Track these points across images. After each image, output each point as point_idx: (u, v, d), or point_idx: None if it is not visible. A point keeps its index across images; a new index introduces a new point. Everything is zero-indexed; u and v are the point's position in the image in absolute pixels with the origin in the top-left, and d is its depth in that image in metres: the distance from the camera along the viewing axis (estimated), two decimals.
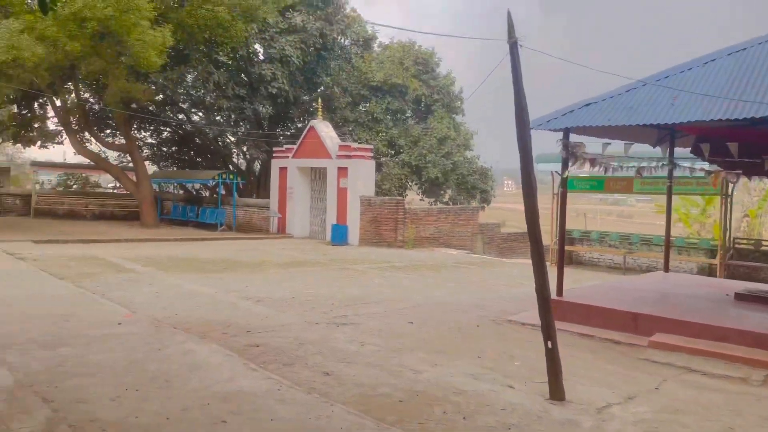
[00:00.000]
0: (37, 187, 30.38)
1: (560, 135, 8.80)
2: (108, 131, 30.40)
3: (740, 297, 9.34)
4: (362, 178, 21.16)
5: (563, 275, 9.19)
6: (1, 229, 20.92)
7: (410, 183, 29.37)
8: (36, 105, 28.79)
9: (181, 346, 6.68)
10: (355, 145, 22.36)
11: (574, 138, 8.94)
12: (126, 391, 5.16)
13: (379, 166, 25.55)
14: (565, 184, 9.32)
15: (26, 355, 6.03)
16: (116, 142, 28.73)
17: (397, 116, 29.77)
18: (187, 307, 9.23)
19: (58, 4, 16.89)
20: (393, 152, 28.90)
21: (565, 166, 8.72)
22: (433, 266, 15.88)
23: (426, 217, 21.50)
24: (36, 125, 30.36)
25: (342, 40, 29.34)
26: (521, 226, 36.30)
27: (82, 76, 23.55)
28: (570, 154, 8.44)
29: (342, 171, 21.42)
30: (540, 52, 6.42)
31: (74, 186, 32.53)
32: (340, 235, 20.74)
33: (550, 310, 5.81)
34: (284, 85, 25.89)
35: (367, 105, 29.29)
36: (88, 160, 27.48)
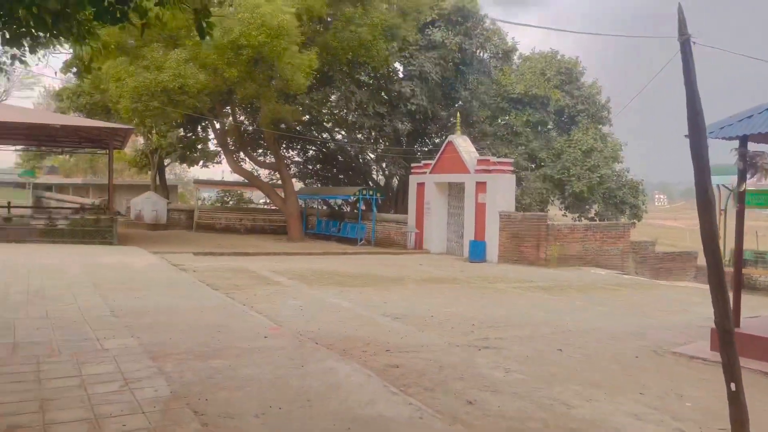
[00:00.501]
0: (199, 203, 33.19)
1: (735, 144, 7.72)
2: (260, 151, 32.48)
3: None
4: (501, 192, 20.50)
5: (740, 303, 8.01)
6: (168, 241, 22.97)
7: (552, 198, 28.08)
8: (199, 128, 31.57)
9: (323, 363, 6.64)
10: (494, 159, 21.77)
11: (750, 147, 7.82)
12: (270, 409, 5.15)
13: (519, 181, 24.69)
14: (743, 199, 8.16)
15: (182, 365, 6.30)
16: (267, 161, 30.60)
17: (538, 129, 28.71)
18: (329, 321, 9.30)
19: (215, 30, 18.38)
20: (534, 166, 27.86)
21: (742, 179, 7.63)
22: (580, 287, 14.84)
23: (571, 233, 20.28)
24: (199, 146, 33.32)
25: (481, 54, 28.95)
26: (676, 244, 33.19)
27: (238, 100, 25.35)
28: (748, 164, 7.36)
29: (480, 186, 20.92)
30: (723, 50, 5.60)
31: (230, 202, 35.13)
32: (478, 252, 20.21)
33: (734, 346, 4.94)
34: (423, 101, 26.01)
35: (507, 118, 28.58)
36: (243, 178, 29.48)
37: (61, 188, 47.98)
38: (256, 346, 7.24)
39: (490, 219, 20.37)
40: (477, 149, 23.29)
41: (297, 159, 34.93)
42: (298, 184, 34.46)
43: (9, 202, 26.12)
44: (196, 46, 18.17)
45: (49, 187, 46.19)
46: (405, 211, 25.62)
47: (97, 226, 20.28)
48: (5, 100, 53.78)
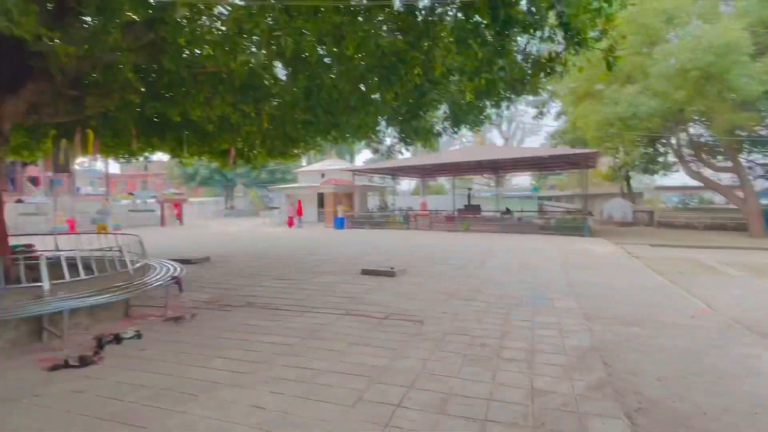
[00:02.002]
0: (662, 206, 29.18)
1: None
2: (719, 157, 26.04)
3: None
4: None
5: None
6: (630, 235, 21.10)
7: None
8: (658, 144, 27.78)
9: (747, 348, 4.98)
10: None
11: None
12: (673, 375, 4.26)
13: None
14: None
15: (607, 327, 5.86)
16: (726, 166, 24.26)
17: None
18: None
19: (662, 63, 15.80)
20: None
21: None
22: None
23: None
24: (659, 159, 29.39)
25: None
26: None
27: (687, 117, 21.12)
28: None
29: None
30: None
31: (690, 205, 29.45)
32: None
33: None
34: None
35: None
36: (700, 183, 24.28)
37: (557, 199, 50.35)
38: (679, 323, 6.01)
39: None
40: None
41: (763, 161, 26.31)
42: (764, 184, 25.96)
43: (521, 208, 29.38)
44: (646, 78, 16.15)
45: (549, 198, 49.24)
46: None
47: (574, 223, 20.48)
48: (522, 143, 60.48)
